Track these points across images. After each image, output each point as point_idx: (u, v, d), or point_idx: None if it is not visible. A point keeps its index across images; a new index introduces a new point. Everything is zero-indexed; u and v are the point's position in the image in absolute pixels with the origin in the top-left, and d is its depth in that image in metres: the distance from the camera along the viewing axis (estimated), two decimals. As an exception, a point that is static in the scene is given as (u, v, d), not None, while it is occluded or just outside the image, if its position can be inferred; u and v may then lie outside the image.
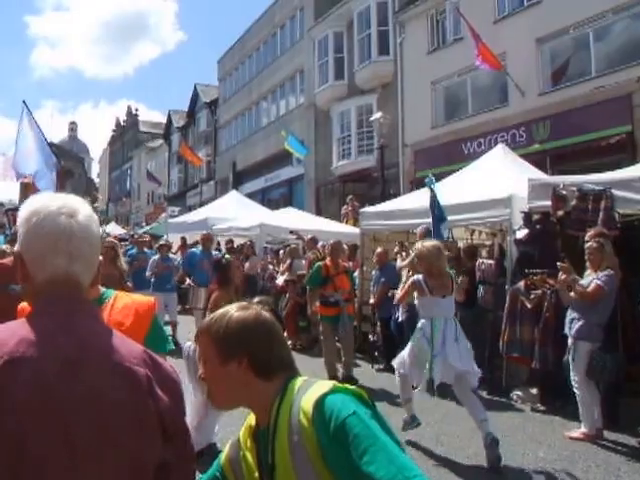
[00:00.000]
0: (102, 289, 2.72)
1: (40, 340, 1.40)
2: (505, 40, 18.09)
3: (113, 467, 1.40)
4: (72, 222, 1.53)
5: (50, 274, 1.51)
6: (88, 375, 1.40)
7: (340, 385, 1.76)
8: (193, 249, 13.20)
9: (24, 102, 9.63)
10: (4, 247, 7.57)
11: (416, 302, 6.73)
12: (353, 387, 1.78)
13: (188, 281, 12.13)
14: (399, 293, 7.66)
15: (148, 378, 1.47)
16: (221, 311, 1.91)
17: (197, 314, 10.95)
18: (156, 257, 12.24)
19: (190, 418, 5.64)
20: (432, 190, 9.19)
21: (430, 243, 6.68)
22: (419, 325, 6.48)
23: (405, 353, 6.48)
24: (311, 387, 1.76)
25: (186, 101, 50.25)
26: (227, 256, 8.23)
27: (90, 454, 1.37)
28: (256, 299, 2.00)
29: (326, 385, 1.75)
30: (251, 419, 1.95)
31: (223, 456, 2.01)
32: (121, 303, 2.62)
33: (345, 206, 18.88)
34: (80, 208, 1.58)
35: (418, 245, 6.83)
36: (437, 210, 9.13)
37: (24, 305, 2.27)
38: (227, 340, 1.82)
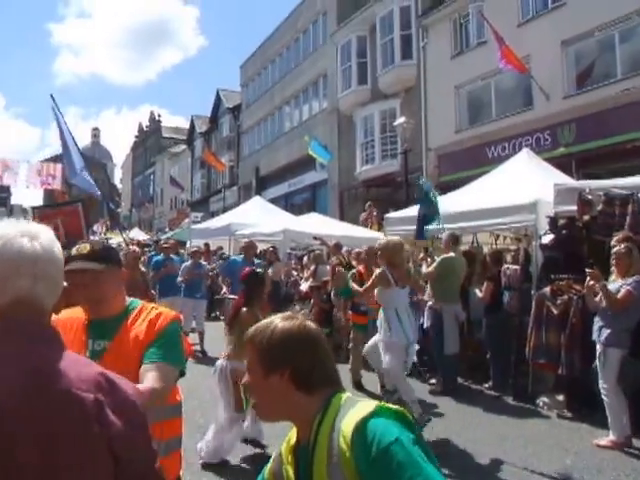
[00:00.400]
0: (128, 299, 2.72)
1: None
2: (529, 43, 17.97)
3: None
4: (36, 245, 1.55)
5: (11, 297, 1.51)
6: (34, 406, 1.41)
7: (384, 406, 1.70)
8: (234, 257, 12.70)
9: (52, 96, 9.37)
10: None
11: (377, 296, 7.10)
12: (397, 408, 1.72)
13: (224, 290, 11.99)
14: (364, 287, 7.76)
15: (97, 403, 1.45)
16: (266, 321, 1.88)
17: None
18: (188, 263, 12.13)
19: (212, 432, 5.72)
20: (426, 193, 9.35)
21: (393, 239, 7.52)
22: (384, 316, 6.82)
23: (382, 350, 6.80)
24: (353, 407, 1.71)
25: (208, 106, 50.59)
26: (260, 269, 7.52)
27: None
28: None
29: (369, 406, 1.68)
30: (293, 433, 1.91)
31: (267, 469, 1.97)
32: (145, 317, 2.61)
33: (364, 213, 18.88)
34: (41, 232, 1.60)
35: (381, 240, 7.60)
36: (426, 209, 9.30)
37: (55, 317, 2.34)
38: (270, 352, 1.79)
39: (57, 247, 1.62)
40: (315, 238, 13.91)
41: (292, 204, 32.20)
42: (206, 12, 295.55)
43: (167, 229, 35.44)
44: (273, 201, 27.73)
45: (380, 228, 17.50)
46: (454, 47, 22.39)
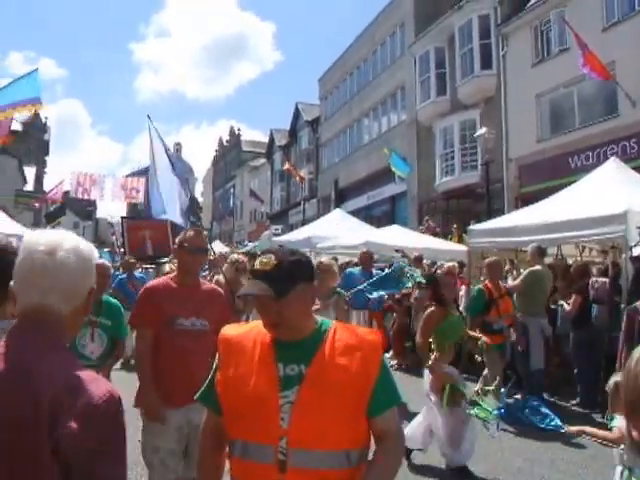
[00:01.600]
0: (318, 318, 2.36)
1: None
2: (614, 48, 17.46)
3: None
4: (46, 259, 1.69)
5: (24, 306, 1.71)
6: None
7: None
8: (350, 269, 11.77)
9: (148, 117, 8.62)
10: None
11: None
12: None
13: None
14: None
15: (57, 404, 1.51)
16: None
17: None
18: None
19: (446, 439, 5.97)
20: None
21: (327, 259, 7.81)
22: None
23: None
24: None
25: (284, 120, 51.24)
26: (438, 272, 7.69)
27: None
28: None
29: None
30: None
31: None
32: (343, 341, 2.24)
33: (421, 227, 18.76)
34: (64, 242, 1.74)
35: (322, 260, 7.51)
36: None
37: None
38: None
39: (76, 256, 1.75)
40: (397, 251, 13.90)
41: (371, 216, 32.20)
42: (282, 27, 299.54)
43: (246, 241, 35.93)
44: (352, 213, 27.76)
45: (460, 240, 17.38)
46: (535, 55, 22.03)
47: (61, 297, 1.71)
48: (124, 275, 12.37)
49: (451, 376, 6.01)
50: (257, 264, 2.24)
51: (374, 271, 10.99)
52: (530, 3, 22.54)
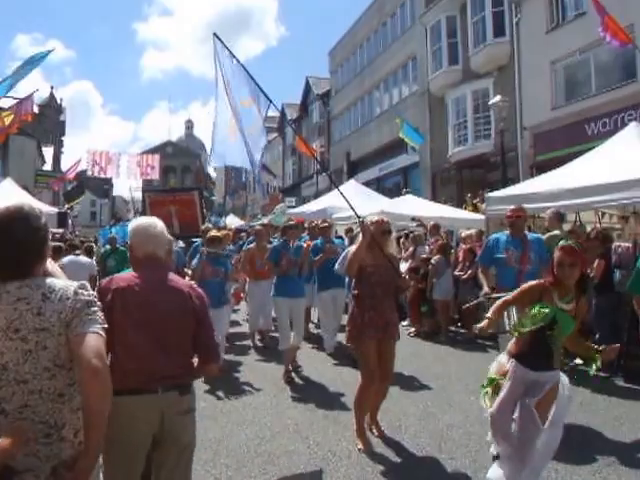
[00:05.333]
0: None
1: (141, 279, 3.28)
2: (633, 11, 17.09)
3: (178, 334, 3.20)
4: (154, 230, 3.47)
5: (144, 252, 3.40)
6: (162, 292, 3.26)
7: None
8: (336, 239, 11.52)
9: (215, 35, 7.35)
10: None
11: None
12: None
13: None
14: None
15: (189, 293, 3.31)
16: None
17: None
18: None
19: None
20: None
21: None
22: None
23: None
24: None
25: (292, 94, 50.92)
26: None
27: (166, 328, 3.18)
28: None
29: None
30: None
31: None
32: None
33: None
34: (158, 222, 3.54)
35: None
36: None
37: None
38: None
39: (163, 228, 3.55)
40: (413, 219, 13.86)
41: (383, 188, 32.10)
42: (286, 2, 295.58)
43: (260, 215, 35.95)
44: (364, 185, 27.73)
45: (474, 209, 17.31)
46: (549, 21, 21.69)
47: (162, 249, 3.47)
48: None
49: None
50: None
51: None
52: (544, -32, 22.14)
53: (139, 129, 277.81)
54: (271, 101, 7.41)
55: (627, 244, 8.91)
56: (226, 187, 79.53)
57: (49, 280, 2.38)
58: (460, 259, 11.96)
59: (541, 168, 17.59)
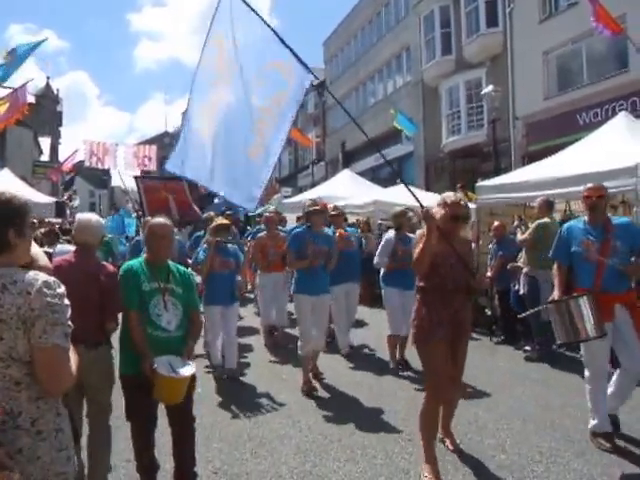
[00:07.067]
0: None
1: (75, 259, 4.52)
2: (625, 1, 17.22)
3: (91, 305, 4.28)
4: (88, 223, 4.68)
5: (80, 240, 4.68)
6: (82, 272, 4.34)
7: None
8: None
9: None
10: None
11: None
12: None
13: None
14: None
15: (97, 272, 4.43)
16: None
17: None
18: (392, 235, 9.04)
19: None
20: None
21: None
22: None
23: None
24: None
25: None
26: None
27: (82, 301, 3.78)
28: None
29: None
30: None
31: None
32: None
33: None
34: (91, 217, 4.79)
35: None
36: None
37: None
38: None
39: (98, 221, 4.83)
40: (406, 209, 13.94)
41: (378, 177, 32.17)
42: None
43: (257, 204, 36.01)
44: (359, 175, 27.82)
45: (466, 197, 17.37)
46: (542, 11, 21.84)
47: (96, 239, 4.69)
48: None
49: None
50: None
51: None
52: (537, -42, 22.21)
53: (135, 120, 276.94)
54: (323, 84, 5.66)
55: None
56: (222, 178, 79.46)
57: (13, 271, 2.32)
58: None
59: (533, 158, 17.63)
